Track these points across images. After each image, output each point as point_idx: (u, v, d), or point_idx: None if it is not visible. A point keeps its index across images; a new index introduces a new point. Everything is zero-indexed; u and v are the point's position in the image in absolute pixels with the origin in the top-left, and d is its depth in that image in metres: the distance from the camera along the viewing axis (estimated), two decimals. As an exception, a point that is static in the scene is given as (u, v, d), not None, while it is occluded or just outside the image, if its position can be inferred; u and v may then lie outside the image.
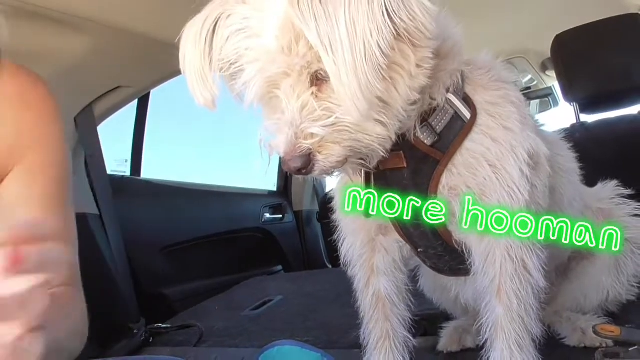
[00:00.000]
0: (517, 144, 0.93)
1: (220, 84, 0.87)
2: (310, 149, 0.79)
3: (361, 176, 0.98)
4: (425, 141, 0.94)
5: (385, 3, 0.72)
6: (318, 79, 0.80)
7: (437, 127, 0.94)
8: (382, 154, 0.85)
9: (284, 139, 0.80)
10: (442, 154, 0.94)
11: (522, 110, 0.97)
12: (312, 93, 0.80)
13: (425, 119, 0.93)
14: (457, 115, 0.94)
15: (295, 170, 0.81)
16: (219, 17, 0.84)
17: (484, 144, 0.93)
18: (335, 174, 0.88)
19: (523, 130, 0.95)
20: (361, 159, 0.86)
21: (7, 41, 1.03)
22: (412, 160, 0.95)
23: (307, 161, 0.80)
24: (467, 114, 0.94)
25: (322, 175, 0.85)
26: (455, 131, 0.94)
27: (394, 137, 0.86)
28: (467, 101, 0.95)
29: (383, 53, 0.73)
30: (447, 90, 0.93)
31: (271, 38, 0.78)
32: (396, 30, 0.75)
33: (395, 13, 0.74)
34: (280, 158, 0.82)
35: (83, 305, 0.99)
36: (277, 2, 0.77)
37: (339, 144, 0.80)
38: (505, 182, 0.92)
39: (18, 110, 0.97)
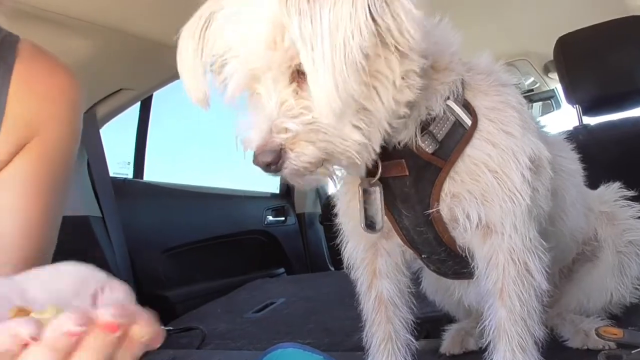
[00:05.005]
0: (518, 148, 0.93)
1: (211, 82, 0.86)
2: (282, 144, 0.77)
3: (359, 194, 0.98)
4: (427, 149, 0.93)
5: (369, 4, 0.72)
6: (299, 75, 0.78)
7: (438, 135, 0.93)
8: (358, 162, 0.83)
9: (257, 132, 0.79)
10: (443, 161, 0.93)
11: (523, 114, 0.97)
12: (293, 90, 0.79)
13: (426, 127, 0.93)
14: (458, 123, 0.94)
15: (264, 165, 0.79)
16: (212, 14, 0.83)
17: (485, 150, 0.93)
18: (308, 176, 0.84)
19: (524, 135, 0.94)
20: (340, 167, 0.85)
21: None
22: (414, 169, 0.95)
23: (277, 156, 0.78)
24: (468, 121, 0.94)
25: (293, 176, 0.82)
26: (457, 138, 0.93)
27: (376, 148, 0.84)
28: (468, 107, 0.95)
29: (364, 55, 0.72)
30: (447, 99, 0.93)
31: (257, 32, 0.77)
32: (381, 36, 0.75)
33: (379, 15, 0.73)
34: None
35: None
36: None
37: (313, 143, 0.78)
38: (507, 188, 0.92)
39: (27, 96, 0.94)
